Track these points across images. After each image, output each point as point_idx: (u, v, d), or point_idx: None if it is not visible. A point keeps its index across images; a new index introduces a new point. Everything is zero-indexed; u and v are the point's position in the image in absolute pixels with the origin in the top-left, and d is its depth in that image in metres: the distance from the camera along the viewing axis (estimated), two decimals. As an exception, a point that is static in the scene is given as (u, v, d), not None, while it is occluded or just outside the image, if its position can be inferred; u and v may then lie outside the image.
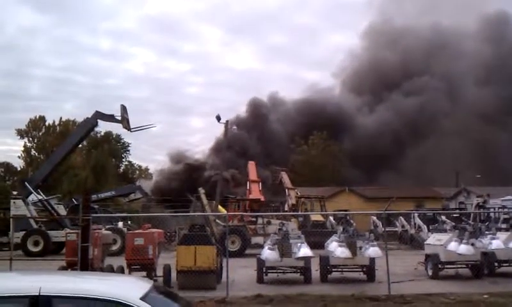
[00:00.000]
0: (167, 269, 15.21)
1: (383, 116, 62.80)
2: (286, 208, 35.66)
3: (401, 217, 33.65)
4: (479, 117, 58.18)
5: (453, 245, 16.01)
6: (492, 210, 30.76)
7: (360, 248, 15.69)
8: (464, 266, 16.74)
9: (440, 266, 16.56)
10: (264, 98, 71.07)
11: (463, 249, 15.66)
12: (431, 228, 26.28)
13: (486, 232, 16.81)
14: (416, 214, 31.63)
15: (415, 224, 31.79)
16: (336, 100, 67.11)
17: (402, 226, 33.71)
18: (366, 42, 72.20)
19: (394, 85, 64.22)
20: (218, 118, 35.12)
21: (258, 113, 67.26)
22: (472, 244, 15.86)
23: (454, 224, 23.02)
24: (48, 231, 27.70)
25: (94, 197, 33.11)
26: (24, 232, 26.78)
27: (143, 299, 3.89)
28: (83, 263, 12.98)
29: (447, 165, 55.16)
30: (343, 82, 73.46)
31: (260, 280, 15.79)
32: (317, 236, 22.16)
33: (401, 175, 56.74)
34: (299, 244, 15.53)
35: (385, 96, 64.95)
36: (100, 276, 6.57)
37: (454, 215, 29.66)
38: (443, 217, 27.29)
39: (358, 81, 68.88)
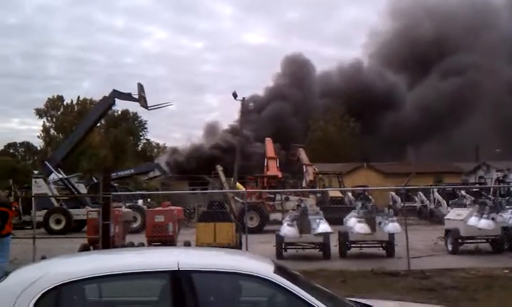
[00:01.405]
0: (187, 246, 15.37)
1: (416, 94, 61.74)
2: (304, 185, 35.69)
3: (420, 192, 33.50)
4: (507, 92, 56.94)
5: (473, 220, 15.90)
6: (512, 184, 30.41)
7: (379, 224, 15.66)
8: (484, 241, 16.63)
9: (459, 241, 16.48)
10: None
11: (483, 223, 15.55)
12: (450, 202, 26.16)
13: (507, 206, 16.68)
14: (435, 189, 31.44)
15: (434, 199, 31.64)
16: (366, 75, 65.83)
17: (422, 202, 33.56)
18: (391, 18, 70.59)
19: (426, 61, 62.51)
20: (235, 95, 35.09)
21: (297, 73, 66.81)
22: (492, 219, 15.73)
23: (473, 198, 22.90)
24: (70, 210, 28.12)
25: (113, 175, 33.42)
26: (45, 211, 27.21)
27: (275, 273, 3.95)
28: (105, 241, 13.17)
29: (469, 140, 54.51)
30: (371, 57, 71.88)
31: (279, 256, 15.85)
32: (335, 212, 22.16)
33: (423, 151, 56.24)
34: (317, 220, 15.52)
35: (418, 73, 63.51)
36: (226, 252, 6.71)
37: (474, 189, 29.43)
38: (463, 192, 27.10)
39: (389, 57, 67.21)
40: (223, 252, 6.46)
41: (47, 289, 3.63)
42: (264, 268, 4.03)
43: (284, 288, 3.78)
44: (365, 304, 4.43)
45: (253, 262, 4.39)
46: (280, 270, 4.08)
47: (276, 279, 3.82)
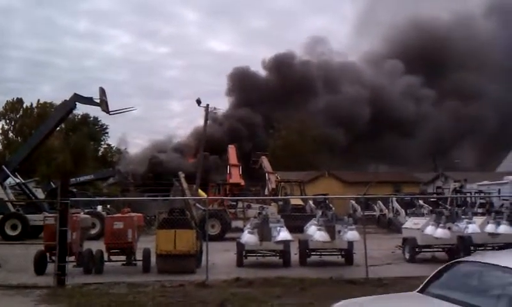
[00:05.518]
0: (146, 253, 15.16)
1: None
2: (266, 193, 35.77)
3: (379, 201, 34.01)
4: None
5: (430, 229, 16.23)
6: (469, 194, 31.16)
7: (339, 232, 15.79)
8: (440, 249, 17.02)
9: (416, 249, 16.80)
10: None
11: (440, 232, 15.88)
12: (408, 212, 26.64)
13: (463, 216, 17.06)
14: (394, 198, 31.99)
15: (393, 208, 32.18)
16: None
17: (381, 210, 34.08)
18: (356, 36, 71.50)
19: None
20: (198, 102, 35.03)
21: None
22: (449, 228, 16.09)
23: (431, 208, 23.38)
24: (26, 215, 27.41)
25: (73, 180, 32.80)
26: (1, 216, 26.49)
27: None
28: (61, 247, 12.92)
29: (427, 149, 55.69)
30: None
31: (239, 264, 15.85)
32: (296, 220, 22.29)
33: (382, 160, 57.05)
34: (278, 228, 15.58)
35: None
36: None
37: (432, 199, 30.04)
38: (421, 202, 27.62)
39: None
40: None
41: None
42: None
43: None
44: None
45: None
46: None
47: None
